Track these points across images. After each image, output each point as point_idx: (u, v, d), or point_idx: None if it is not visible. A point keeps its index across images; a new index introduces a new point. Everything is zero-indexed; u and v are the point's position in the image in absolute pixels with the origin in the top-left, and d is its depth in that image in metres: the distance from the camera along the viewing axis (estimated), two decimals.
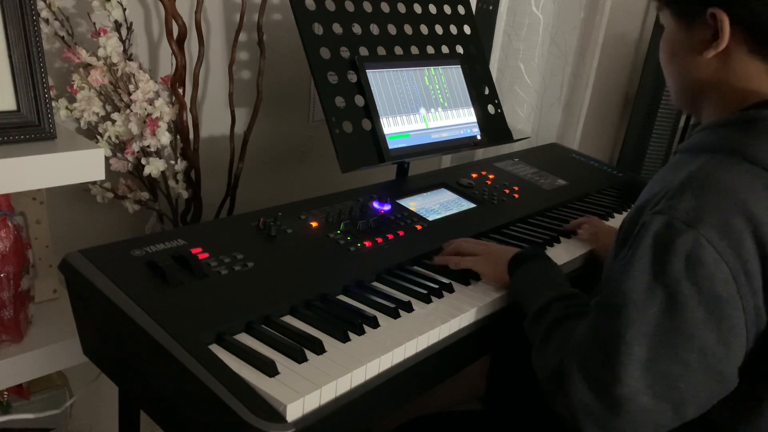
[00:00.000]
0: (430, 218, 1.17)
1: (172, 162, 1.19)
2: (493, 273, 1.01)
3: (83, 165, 0.82)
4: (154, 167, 1.13)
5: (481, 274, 1.02)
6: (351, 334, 0.82)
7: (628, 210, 1.46)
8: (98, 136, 1.12)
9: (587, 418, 0.75)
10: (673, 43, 0.88)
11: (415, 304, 0.92)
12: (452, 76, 1.42)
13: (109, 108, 1.11)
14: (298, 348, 0.76)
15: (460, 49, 1.47)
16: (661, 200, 0.77)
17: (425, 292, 0.94)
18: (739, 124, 0.81)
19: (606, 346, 0.74)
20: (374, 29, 1.29)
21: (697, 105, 0.90)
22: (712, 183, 0.75)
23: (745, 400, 0.76)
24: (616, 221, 1.36)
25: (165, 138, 1.11)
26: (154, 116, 1.10)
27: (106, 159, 1.11)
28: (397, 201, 1.19)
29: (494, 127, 1.49)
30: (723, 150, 0.80)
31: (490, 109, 1.50)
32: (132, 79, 1.09)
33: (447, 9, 1.46)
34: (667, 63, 0.90)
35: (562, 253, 1.16)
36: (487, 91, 1.50)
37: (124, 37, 1.10)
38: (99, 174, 0.84)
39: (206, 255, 0.90)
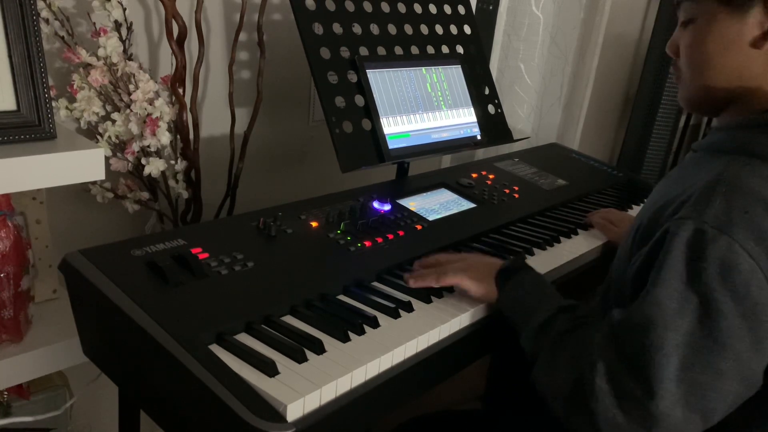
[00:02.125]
0: (430, 218, 1.17)
1: (172, 162, 1.19)
2: (480, 288, 0.93)
3: (83, 165, 0.82)
4: (154, 167, 1.13)
5: (467, 290, 0.94)
6: (351, 334, 0.82)
7: (636, 207, 1.47)
8: (98, 136, 1.12)
9: None
10: (717, 35, 0.82)
11: (415, 304, 0.91)
12: (452, 76, 1.42)
13: (109, 108, 1.11)
14: (298, 348, 0.76)
15: (460, 49, 1.47)
16: (685, 204, 0.75)
17: (425, 292, 0.94)
18: (762, 126, 0.79)
19: (638, 359, 0.71)
20: (374, 29, 1.29)
21: (721, 107, 0.87)
22: (739, 186, 0.73)
23: (759, 401, 0.74)
24: None
25: (165, 138, 1.11)
26: (154, 116, 1.10)
27: (106, 159, 1.11)
28: (397, 201, 1.19)
29: (494, 127, 1.49)
30: (745, 152, 0.78)
31: (490, 109, 1.50)
32: (132, 79, 1.09)
33: (447, 9, 1.46)
34: (704, 59, 0.84)
35: (566, 251, 1.16)
36: (487, 91, 1.50)
37: (124, 37, 1.10)
38: (99, 174, 0.84)
39: (206, 255, 0.90)
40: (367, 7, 1.29)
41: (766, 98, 0.81)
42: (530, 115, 2.15)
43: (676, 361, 0.70)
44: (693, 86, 0.88)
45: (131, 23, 1.11)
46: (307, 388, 0.70)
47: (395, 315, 0.88)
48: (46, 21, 1.04)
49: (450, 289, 0.97)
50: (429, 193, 1.28)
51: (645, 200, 1.07)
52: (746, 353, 0.70)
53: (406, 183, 1.33)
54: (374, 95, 1.22)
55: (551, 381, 0.80)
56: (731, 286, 0.69)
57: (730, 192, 0.73)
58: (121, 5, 1.08)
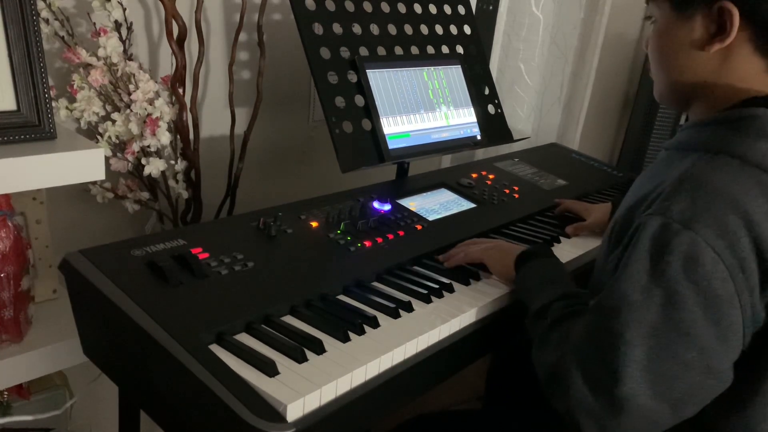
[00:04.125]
0: (430, 218, 1.17)
1: (172, 162, 1.19)
2: (500, 265, 1.01)
3: (83, 165, 0.82)
4: (154, 167, 1.13)
5: (487, 264, 1.02)
6: (351, 334, 0.82)
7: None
8: (98, 136, 1.12)
9: (586, 417, 0.75)
10: (671, 37, 0.85)
11: (415, 304, 0.92)
12: (452, 76, 1.42)
13: (109, 108, 1.11)
14: (298, 348, 0.76)
15: (460, 49, 1.47)
16: (655, 201, 0.77)
17: (425, 292, 0.94)
18: (728, 122, 0.81)
19: (605, 346, 0.74)
20: (374, 29, 1.29)
21: (687, 102, 0.89)
22: (705, 182, 0.75)
23: (736, 394, 0.76)
24: None
25: (165, 138, 1.11)
26: (154, 116, 1.10)
27: (106, 159, 1.11)
28: (397, 201, 1.19)
29: (494, 127, 1.49)
30: (712, 149, 0.79)
31: (490, 109, 1.50)
32: (132, 79, 1.09)
33: (447, 9, 1.46)
34: (662, 58, 0.88)
35: (566, 252, 1.16)
36: (487, 91, 1.50)
37: (124, 37, 1.10)
38: (99, 174, 0.84)
39: (206, 255, 0.90)
40: (367, 7, 1.29)
41: (727, 94, 0.83)
42: (530, 115, 2.15)
43: (641, 351, 0.72)
44: (658, 80, 0.91)
45: (131, 23, 1.11)
46: (307, 388, 0.70)
47: (395, 315, 0.88)
48: (46, 21, 1.04)
49: (450, 289, 0.97)
50: (429, 193, 1.28)
51: None
52: (711, 345, 0.72)
53: (406, 183, 1.33)
54: (374, 95, 1.22)
55: (539, 363, 0.83)
56: (694, 279, 0.71)
57: (695, 188, 0.75)
58: (121, 5, 1.08)
